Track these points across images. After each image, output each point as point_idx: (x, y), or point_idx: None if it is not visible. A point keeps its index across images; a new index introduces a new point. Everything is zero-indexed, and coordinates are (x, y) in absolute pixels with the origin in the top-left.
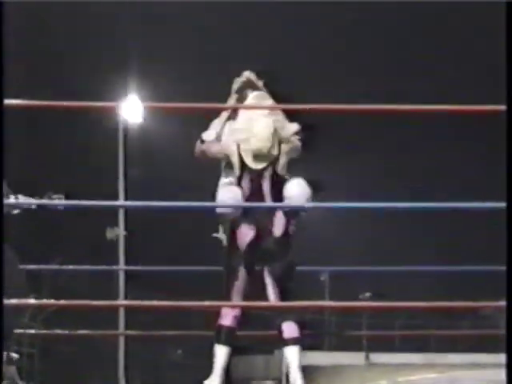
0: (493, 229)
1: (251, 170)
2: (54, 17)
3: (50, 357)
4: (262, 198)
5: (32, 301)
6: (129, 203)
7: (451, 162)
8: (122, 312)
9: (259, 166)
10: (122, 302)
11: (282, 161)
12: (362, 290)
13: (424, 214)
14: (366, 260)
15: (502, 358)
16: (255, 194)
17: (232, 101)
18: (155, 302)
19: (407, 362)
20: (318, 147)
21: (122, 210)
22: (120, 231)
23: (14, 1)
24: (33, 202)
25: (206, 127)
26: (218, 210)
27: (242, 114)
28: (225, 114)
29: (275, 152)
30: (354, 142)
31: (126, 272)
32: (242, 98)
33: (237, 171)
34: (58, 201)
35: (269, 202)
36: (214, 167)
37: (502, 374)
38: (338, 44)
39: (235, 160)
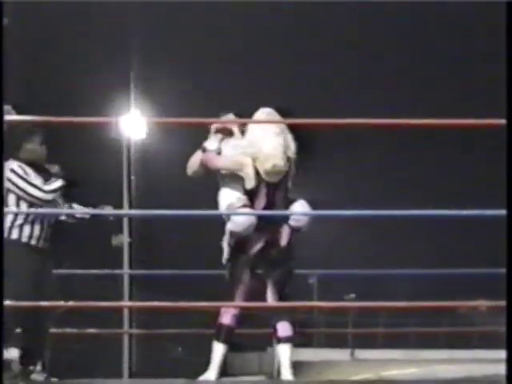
0: (478, 235)
1: (267, 183)
2: (56, 32)
3: (60, 354)
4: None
5: (45, 303)
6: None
7: (450, 172)
8: (126, 313)
9: (273, 179)
10: (126, 303)
11: (291, 174)
12: (347, 291)
13: (408, 221)
14: (352, 264)
15: (476, 353)
16: (269, 206)
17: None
18: (157, 303)
19: (390, 357)
20: (316, 166)
21: (127, 219)
22: (124, 238)
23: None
24: (87, 211)
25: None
26: (232, 228)
27: (253, 129)
28: (219, 136)
29: (286, 168)
30: (352, 157)
31: (131, 276)
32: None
33: (252, 182)
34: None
35: (280, 213)
36: (213, 180)
37: (478, 368)
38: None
39: (250, 172)
